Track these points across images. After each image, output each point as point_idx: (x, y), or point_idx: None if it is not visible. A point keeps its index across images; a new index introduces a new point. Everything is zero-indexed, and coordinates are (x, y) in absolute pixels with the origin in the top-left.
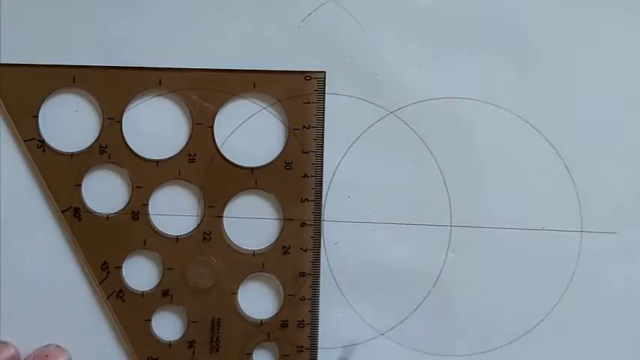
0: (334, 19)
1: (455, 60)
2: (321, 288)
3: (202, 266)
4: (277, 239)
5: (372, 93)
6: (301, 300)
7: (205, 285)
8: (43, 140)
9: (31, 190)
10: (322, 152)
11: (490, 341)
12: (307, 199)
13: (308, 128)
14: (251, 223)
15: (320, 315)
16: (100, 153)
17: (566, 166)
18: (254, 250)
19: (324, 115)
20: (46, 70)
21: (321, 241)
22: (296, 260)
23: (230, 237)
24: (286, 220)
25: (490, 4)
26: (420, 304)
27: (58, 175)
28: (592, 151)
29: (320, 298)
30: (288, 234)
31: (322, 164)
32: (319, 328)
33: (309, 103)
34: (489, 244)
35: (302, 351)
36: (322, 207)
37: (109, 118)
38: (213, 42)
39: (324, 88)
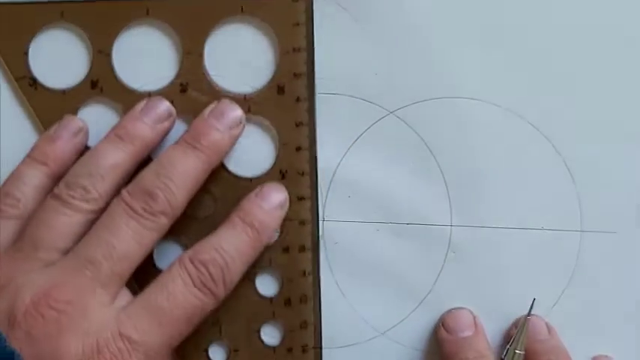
0: (334, 18)
1: (455, 60)
2: (321, 288)
3: (202, 193)
4: (274, 164)
5: (372, 93)
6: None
7: (205, 214)
8: (35, 78)
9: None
10: (314, 76)
11: (490, 341)
12: (302, 123)
13: (298, 51)
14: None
15: (319, 316)
16: (92, 88)
17: (566, 165)
18: (251, 178)
19: (313, 37)
20: (33, 6)
21: (322, 241)
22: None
23: (226, 163)
24: (282, 145)
25: (490, 4)
26: (420, 303)
27: (51, 112)
28: (592, 151)
29: (320, 298)
30: (284, 159)
31: (314, 89)
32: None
33: (298, 24)
34: (489, 244)
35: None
36: (322, 207)
37: (98, 52)
38: None
39: (313, 9)
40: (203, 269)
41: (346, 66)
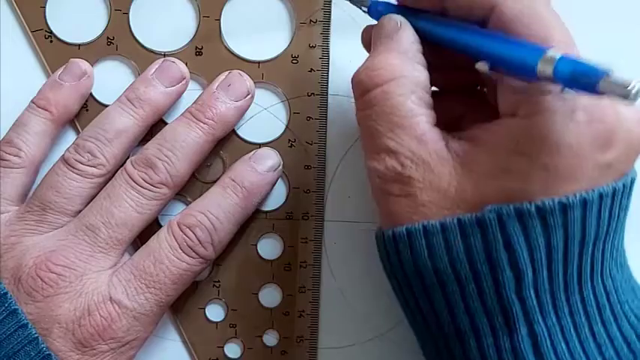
0: (334, 19)
1: None
2: (320, 288)
3: (212, 157)
4: (284, 132)
5: None
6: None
7: (213, 177)
8: (51, 31)
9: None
10: (328, 47)
11: None
12: (313, 94)
13: (315, 23)
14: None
15: (320, 315)
16: (108, 45)
17: None
18: (260, 144)
19: (330, 7)
20: None
21: (321, 241)
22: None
23: (236, 128)
24: (293, 114)
25: None
26: None
27: None
28: None
29: (320, 298)
30: (294, 127)
31: (328, 58)
32: (319, 328)
33: None
34: None
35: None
36: (323, 206)
37: (116, 10)
38: None
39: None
40: (190, 233)
41: (346, 67)
